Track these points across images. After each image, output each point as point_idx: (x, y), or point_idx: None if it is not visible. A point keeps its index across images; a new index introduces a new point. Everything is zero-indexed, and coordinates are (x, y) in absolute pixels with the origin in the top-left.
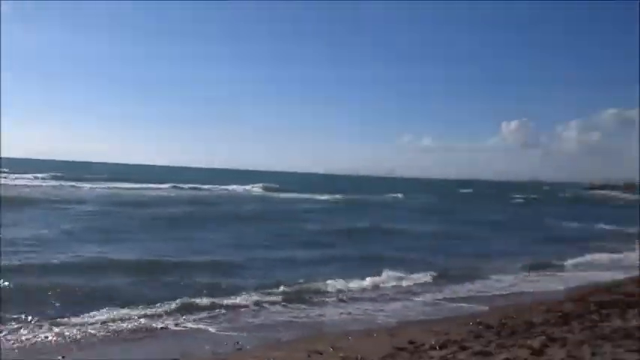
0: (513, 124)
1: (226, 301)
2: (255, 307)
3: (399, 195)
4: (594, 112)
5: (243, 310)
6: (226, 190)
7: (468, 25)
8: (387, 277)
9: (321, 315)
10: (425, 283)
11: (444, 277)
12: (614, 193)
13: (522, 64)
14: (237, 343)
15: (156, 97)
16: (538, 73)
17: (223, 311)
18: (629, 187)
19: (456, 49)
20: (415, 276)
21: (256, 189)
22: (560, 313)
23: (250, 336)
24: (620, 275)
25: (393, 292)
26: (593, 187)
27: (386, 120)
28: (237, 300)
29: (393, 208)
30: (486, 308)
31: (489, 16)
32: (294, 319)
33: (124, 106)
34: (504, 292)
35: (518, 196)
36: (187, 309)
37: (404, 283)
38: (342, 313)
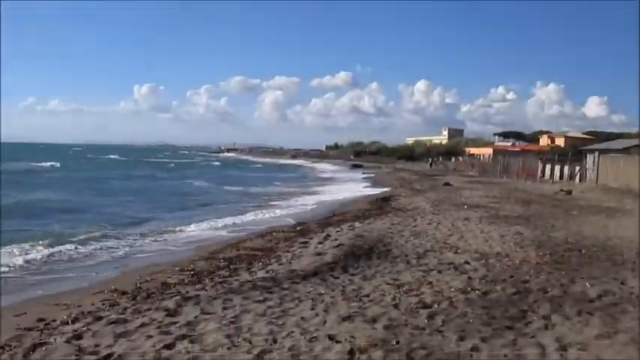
0: (145, 87)
1: None
2: None
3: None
4: (222, 79)
5: None
6: None
7: None
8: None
9: None
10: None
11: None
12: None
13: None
14: None
15: None
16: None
17: None
18: (251, 151)
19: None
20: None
21: None
22: (192, 272)
23: None
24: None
25: None
26: (221, 151)
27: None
28: None
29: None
30: (119, 274)
31: None
32: None
33: None
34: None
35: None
36: None
37: None
38: None
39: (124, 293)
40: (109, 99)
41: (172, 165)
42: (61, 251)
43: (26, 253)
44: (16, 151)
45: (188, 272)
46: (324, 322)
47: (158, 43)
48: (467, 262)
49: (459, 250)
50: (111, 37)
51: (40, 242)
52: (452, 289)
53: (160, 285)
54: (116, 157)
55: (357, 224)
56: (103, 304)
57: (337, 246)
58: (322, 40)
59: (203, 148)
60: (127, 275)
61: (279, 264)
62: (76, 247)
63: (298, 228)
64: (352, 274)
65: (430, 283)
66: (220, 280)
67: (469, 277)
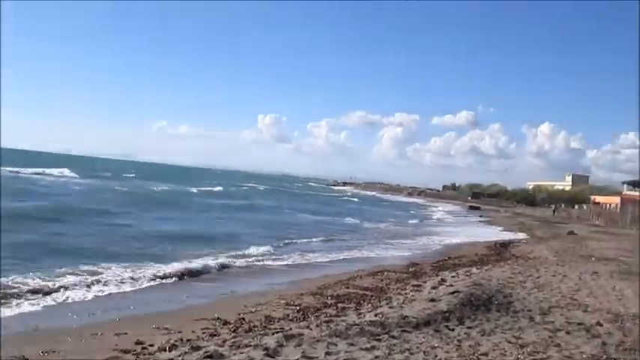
0: (268, 117)
1: None
2: None
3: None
4: (343, 113)
5: None
6: None
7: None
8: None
9: None
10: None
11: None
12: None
13: (279, 60)
14: None
15: None
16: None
17: None
18: (367, 186)
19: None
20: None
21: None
22: (298, 307)
23: None
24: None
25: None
26: (337, 184)
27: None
28: None
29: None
30: (224, 302)
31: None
32: None
33: None
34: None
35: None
36: None
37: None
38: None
39: (225, 323)
40: (233, 126)
41: (312, 196)
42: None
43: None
44: (176, 174)
45: (294, 307)
46: None
47: (282, 76)
48: (599, 324)
49: (588, 309)
50: (237, 65)
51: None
52: (584, 356)
53: (263, 318)
54: (255, 185)
55: (474, 270)
56: (204, 333)
57: (453, 293)
58: (444, 78)
59: (320, 180)
60: (231, 304)
61: (390, 307)
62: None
63: (411, 269)
64: (469, 327)
65: (558, 345)
66: (326, 319)
67: (603, 343)
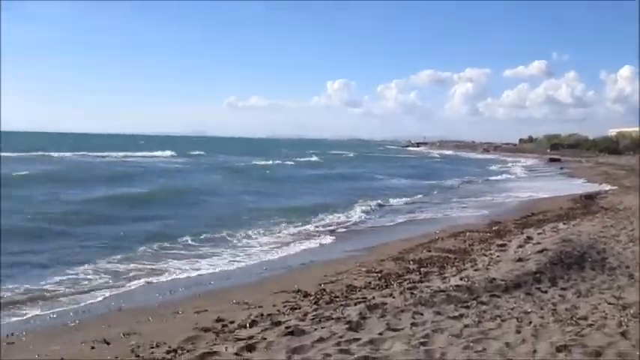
0: (337, 83)
1: None
2: None
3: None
4: (412, 73)
5: None
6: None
7: None
8: None
9: None
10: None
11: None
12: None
13: (344, 23)
14: None
15: None
16: (363, 34)
17: None
18: (441, 145)
19: (283, 9)
20: None
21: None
22: (380, 274)
23: None
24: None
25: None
26: (411, 145)
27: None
28: None
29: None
30: (304, 272)
31: None
32: None
33: None
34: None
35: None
36: None
37: None
38: None
39: (306, 295)
40: (303, 95)
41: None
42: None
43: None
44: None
45: (375, 274)
46: (534, 351)
47: (349, 41)
48: None
49: None
50: (300, 37)
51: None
52: None
53: (344, 288)
54: (347, 153)
55: (561, 225)
56: (284, 306)
57: (541, 251)
58: (514, 28)
59: (393, 141)
60: (312, 273)
61: (475, 270)
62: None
63: (494, 228)
64: (563, 288)
65: None
66: (409, 285)
67: None
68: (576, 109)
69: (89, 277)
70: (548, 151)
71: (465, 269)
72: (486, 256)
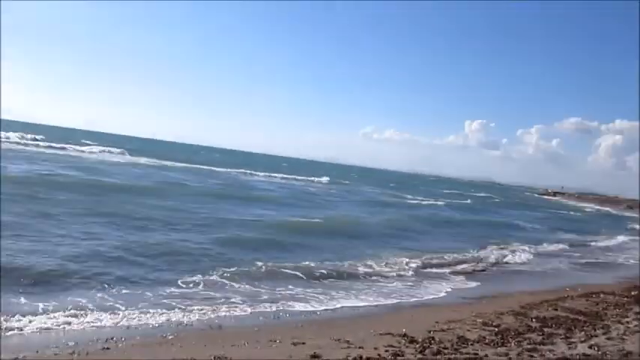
0: (475, 123)
1: None
2: None
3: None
4: (557, 120)
5: None
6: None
7: (438, 24)
8: None
9: None
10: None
11: None
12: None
13: (489, 65)
14: None
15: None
16: (505, 77)
17: None
18: (580, 197)
19: (425, 47)
20: None
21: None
22: (497, 328)
23: None
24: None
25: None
26: (548, 193)
27: (350, 112)
28: None
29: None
30: (411, 315)
31: (461, 18)
32: None
33: None
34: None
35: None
36: None
37: None
38: None
39: (412, 341)
40: (438, 132)
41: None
42: None
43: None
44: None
45: (492, 328)
46: None
47: (489, 80)
48: None
49: None
50: (446, 74)
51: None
52: None
53: (455, 339)
54: (488, 195)
55: None
56: (387, 351)
57: None
58: None
59: (528, 188)
60: (421, 318)
61: (608, 338)
62: None
63: (633, 292)
64: None
65: None
66: (529, 346)
67: None
68: None
69: (215, 294)
70: None
71: (595, 336)
72: (622, 324)
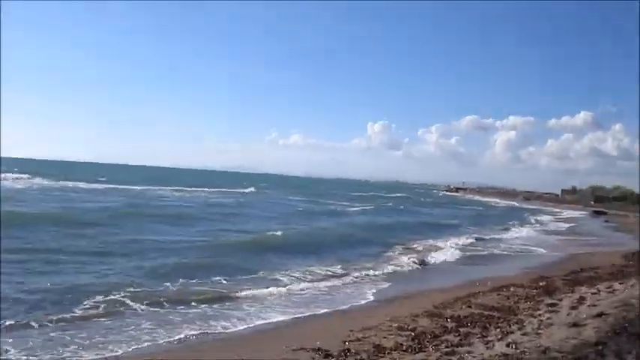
0: (378, 125)
1: None
2: None
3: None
4: (455, 118)
5: None
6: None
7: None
8: None
9: None
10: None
11: None
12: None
13: (387, 66)
14: None
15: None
16: (405, 77)
17: None
18: (480, 191)
19: (325, 49)
20: None
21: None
22: (413, 334)
23: None
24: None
25: None
26: (450, 189)
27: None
28: None
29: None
30: (324, 325)
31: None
32: None
33: None
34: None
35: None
36: None
37: None
38: None
39: (327, 356)
40: (343, 136)
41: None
42: None
43: None
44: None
45: (408, 332)
46: None
47: (389, 82)
48: None
49: None
50: (348, 78)
51: None
52: None
53: (372, 348)
54: (405, 195)
55: (617, 285)
56: None
57: (599, 315)
58: (561, 78)
59: (432, 185)
60: (334, 328)
61: (523, 334)
62: None
63: (541, 284)
64: None
65: None
66: (447, 349)
67: None
68: (623, 162)
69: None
70: (592, 203)
71: (511, 332)
72: (535, 317)
